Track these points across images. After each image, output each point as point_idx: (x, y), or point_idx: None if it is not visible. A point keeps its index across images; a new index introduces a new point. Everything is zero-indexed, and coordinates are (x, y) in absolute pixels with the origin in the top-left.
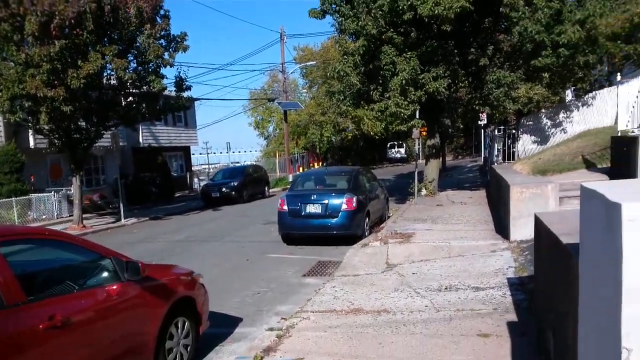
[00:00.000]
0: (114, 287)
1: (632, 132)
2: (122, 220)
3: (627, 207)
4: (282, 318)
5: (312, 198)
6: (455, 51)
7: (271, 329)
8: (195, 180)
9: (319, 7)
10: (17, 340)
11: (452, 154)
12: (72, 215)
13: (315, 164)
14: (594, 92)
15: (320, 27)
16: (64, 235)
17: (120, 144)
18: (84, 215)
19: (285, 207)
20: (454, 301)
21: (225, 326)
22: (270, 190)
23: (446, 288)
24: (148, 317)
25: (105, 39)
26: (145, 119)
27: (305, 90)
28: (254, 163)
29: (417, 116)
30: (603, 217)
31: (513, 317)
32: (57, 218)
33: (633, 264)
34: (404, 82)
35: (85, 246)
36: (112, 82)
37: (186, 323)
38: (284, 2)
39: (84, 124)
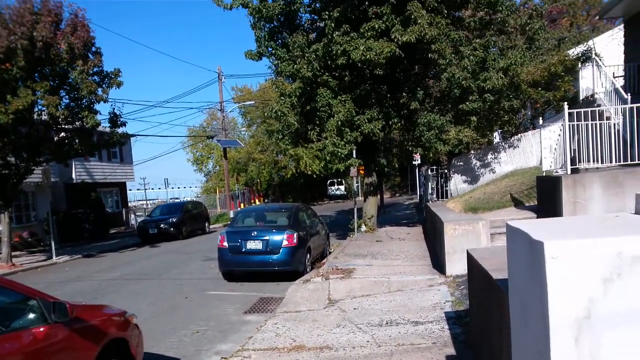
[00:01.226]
0: (41, 330)
1: (556, 172)
2: (54, 258)
3: (549, 245)
4: (222, 358)
5: (253, 234)
6: (388, 95)
7: None
8: (132, 216)
9: (255, 50)
10: None
11: (389, 192)
12: (0, 254)
13: (256, 200)
14: (519, 135)
15: (257, 68)
16: None
17: (52, 179)
18: (13, 253)
19: (226, 244)
20: (395, 336)
21: None
22: (211, 226)
23: (387, 323)
24: None
25: (36, 75)
26: (78, 154)
27: (244, 129)
28: (194, 199)
29: (354, 155)
30: (528, 254)
31: (451, 350)
32: None
33: (558, 299)
34: (339, 123)
35: (8, 286)
36: (44, 117)
37: None
38: (221, 42)
39: (13, 159)
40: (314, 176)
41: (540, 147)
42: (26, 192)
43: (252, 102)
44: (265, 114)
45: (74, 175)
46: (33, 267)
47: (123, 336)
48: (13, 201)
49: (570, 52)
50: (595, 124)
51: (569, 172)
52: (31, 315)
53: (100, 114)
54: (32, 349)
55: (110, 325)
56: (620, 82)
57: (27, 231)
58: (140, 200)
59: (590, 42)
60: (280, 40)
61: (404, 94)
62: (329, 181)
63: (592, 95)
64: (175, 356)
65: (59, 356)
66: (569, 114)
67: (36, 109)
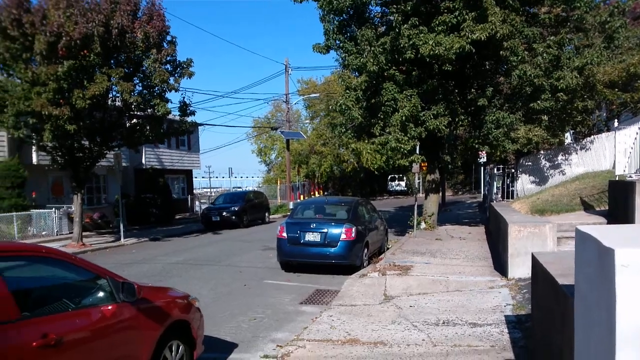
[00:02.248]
0: (109, 308)
1: (630, 177)
2: (122, 240)
3: (620, 252)
4: (278, 345)
5: (312, 226)
6: (456, 91)
7: (266, 356)
8: (197, 203)
9: (323, 43)
10: (8, 357)
11: (451, 190)
12: (72, 233)
13: (316, 192)
14: (592, 137)
15: (324, 61)
16: (60, 253)
17: (123, 164)
18: (83, 234)
19: (285, 234)
20: (451, 336)
21: (220, 351)
22: (271, 217)
23: (444, 322)
24: (142, 339)
25: (112, 61)
26: (148, 141)
27: (307, 121)
28: (255, 189)
29: (417, 151)
30: (597, 261)
31: (510, 355)
32: (57, 235)
33: (626, 309)
34: (404, 118)
35: (81, 265)
36: (117, 103)
37: (180, 347)
38: (289, 35)
39: (87, 143)
40: (376, 171)
41: (615, 150)
42: (98, 175)
43: (317, 94)
44: (330, 107)
45: (143, 161)
46: (102, 247)
47: (185, 318)
48: (85, 183)
49: None
50: None
51: None
52: (101, 294)
53: (171, 102)
54: (100, 326)
55: (174, 307)
56: None
57: (97, 213)
58: (204, 188)
59: None
60: (348, 34)
61: (472, 90)
62: (389, 176)
63: None
64: (233, 341)
65: (125, 334)
66: None
67: (110, 95)
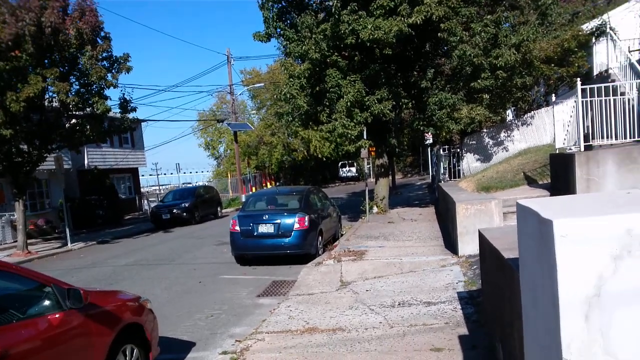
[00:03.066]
0: (56, 316)
1: (569, 149)
2: (69, 244)
3: (559, 223)
4: (237, 340)
5: (264, 218)
6: (398, 74)
7: (225, 353)
8: (145, 202)
9: (263, 31)
10: None
11: (401, 173)
12: (16, 241)
13: (268, 183)
14: (532, 112)
15: (266, 50)
16: (0, 263)
17: (65, 166)
18: (28, 241)
19: (238, 228)
20: (407, 317)
21: (177, 351)
22: (223, 211)
23: (399, 304)
24: (93, 346)
25: (46, 61)
26: (89, 141)
27: (254, 112)
28: (206, 184)
29: (365, 137)
30: (538, 233)
31: (464, 330)
32: (0, 244)
33: (567, 277)
34: (349, 104)
35: (23, 274)
36: (55, 104)
37: (135, 350)
38: (229, 24)
39: (25, 147)
40: (325, 159)
41: (554, 124)
42: (39, 179)
43: (262, 84)
44: (275, 97)
45: (86, 162)
46: (48, 254)
47: (138, 321)
48: (27, 189)
49: (584, 26)
50: (609, 99)
51: (582, 149)
52: (46, 302)
53: (110, 99)
54: (48, 335)
55: (125, 310)
56: (636, 57)
57: (41, 219)
58: (152, 186)
59: (605, 16)
60: (288, 21)
61: (414, 72)
62: (340, 163)
63: (607, 71)
64: (191, 340)
65: (75, 342)
66: (582, 90)
67: (47, 96)
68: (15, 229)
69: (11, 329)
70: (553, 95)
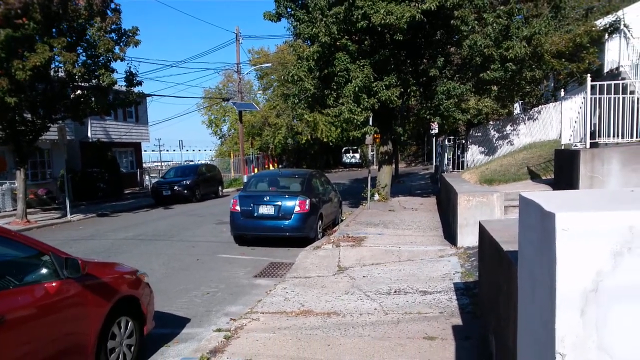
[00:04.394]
0: (53, 285)
1: (575, 145)
2: (68, 216)
3: (561, 217)
4: (231, 319)
5: (265, 199)
6: (408, 61)
7: (219, 330)
8: (146, 177)
9: (274, 10)
10: None
11: (404, 161)
12: (15, 210)
13: (270, 165)
14: (540, 107)
15: (275, 30)
16: (0, 229)
17: (68, 137)
18: (28, 210)
19: (238, 208)
20: (402, 304)
21: (172, 326)
22: (224, 190)
23: (395, 291)
24: (88, 316)
25: (54, 30)
26: (94, 113)
27: (260, 92)
28: (208, 162)
29: (371, 123)
30: (539, 226)
31: (458, 321)
32: (0, 212)
33: (566, 271)
34: (357, 89)
35: (22, 241)
36: (61, 74)
37: (129, 323)
38: (239, 3)
39: (29, 116)
40: (330, 143)
41: (561, 120)
42: (42, 149)
43: (269, 64)
44: (282, 78)
45: (89, 134)
46: (47, 224)
47: (134, 294)
48: (29, 158)
49: (598, 22)
50: (618, 97)
51: (588, 146)
52: (44, 270)
53: (116, 72)
54: (44, 303)
55: (122, 282)
56: None
57: (42, 188)
58: (154, 162)
59: (620, 12)
60: (300, 1)
61: (424, 60)
62: (344, 149)
63: (617, 68)
64: (186, 316)
65: (71, 311)
66: (592, 86)
67: (53, 66)
68: (15, 197)
69: (8, 295)
70: (562, 90)
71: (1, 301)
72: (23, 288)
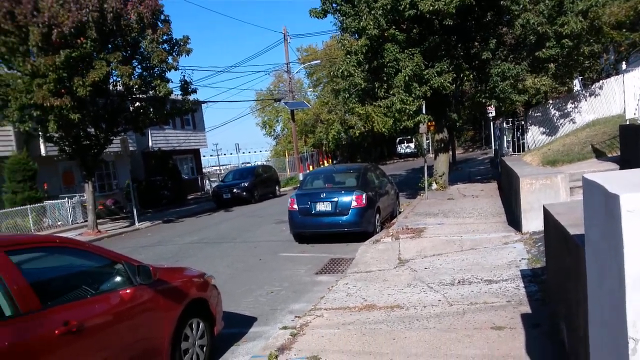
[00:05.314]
0: (127, 292)
1: None
2: (136, 224)
3: (626, 198)
4: (296, 316)
5: (322, 196)
6: (459, 45)
7: (285, 328)
8: (207, 182)
9: (319, 7)
10: (33, 347)
11: (462, 147)
12: (86, 221)
13: (325, 161)
14: (601, 82)
15: (322, 26)
16: (74, 242)
17: (130, 148)
18: (98, 221)
19: (296, 206)
20: (467, 295)
21: (239, 326)
22: (281, 190)
23: (459, 282)
24: (162, 320)
25: (109, 46)
26: (153, 123)
27: (311, 90)
28: (264, 163)
29: (424, 111)
30: (604, 208)
31: (527, 309)
32: (72, 224)
33: (634, 253)
34: (407, 78)
35: (96, 252)
36: (119, 88)
37: (200, 324)
38: (284, 3)
39: (93, 130)
40: (384, 134)
41: (624, 94)
42: (107, 161)
43: (318, 61)
44: (332, 73)
45: (150, 144)
46: (117, 233)
47: (203, 296)
48: (95, 171)
49: None
50: None
51: None
52: (118, 278)
53: (171, 82)
54: (119, 309)
55: (191, 286)
56: None
57: (110, 199)
58: (213, 166)
59: None
60: None
61: (475, 43)
62: (398, 139)
63: None
64: (252, 315)
65: (145, 316)
66: None
67: (111, 80)
68: (86, 209)
69: (86, 304)
70: (624, 63)
71: (79, 310)
72: (99, 296)
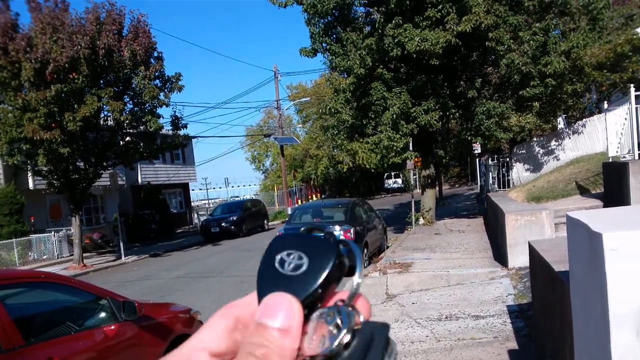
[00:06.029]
0: (112, 328)
1: (623, 157)
2: (123, 258)
3: (608, 237)
4: None
5: None
6: (445, 84)
7: None
8: (195, 215)
9: (309, 47)
10: None
11: (448, 183)
12: (72, 255)
13: (313, 196)
14: (584, 120)
15: (311, 64)
16: (59, 277)
17: (119, 182)
18: (84, 255)
19: None
20: (455, 330)
21: None
22: (270, 224)
23: (446, 317)
24: (146, 356)
25: (101, 82)
26: (143, 158)
27: (300, 125)
28: (253, 197)
29: (410, 148)
30: (587, 246)
31: (514, 345)
32: (58, 258)
33: (617, 291)
34: (395, 116)
35: (80, 287)
36: (109, 123)
37: None
38: (275, 41)
39: (82, 164)
40: (371, 170)
41: (606, 132)
42: (95, 195)
43: (307, 98)
44: (320, 110)
45: (139, 178)
46: (103, 267)
47: (189, 332)
48: (83, 205)
49: (639, 30)
50: None
51: (636, 157)
52: (102, 314)
53: (162, 117)
54: (103, 346)
55: (177, 322)
56: None
57: (96, 233)
58: (202, 200)
59: None
60: (334, 35)
61: (461, 82)
62: (385, 174)
63: None
64: None
65: (129, 352)
66: (637, 96)
67: (102, 115)
68: (72, 243)
69: (70, 340)
70: (605, 102)
71: (63, 347)
72: (83, 333)
